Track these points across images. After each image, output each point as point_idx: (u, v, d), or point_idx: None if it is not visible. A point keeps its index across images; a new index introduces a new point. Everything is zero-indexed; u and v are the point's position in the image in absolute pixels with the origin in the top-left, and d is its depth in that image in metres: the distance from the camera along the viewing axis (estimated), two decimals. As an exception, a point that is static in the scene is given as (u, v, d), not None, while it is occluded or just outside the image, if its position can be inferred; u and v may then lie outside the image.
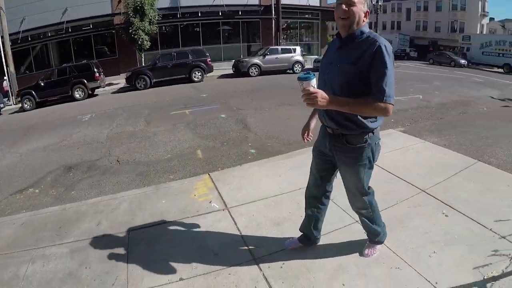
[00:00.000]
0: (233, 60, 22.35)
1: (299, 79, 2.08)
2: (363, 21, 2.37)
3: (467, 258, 3.13)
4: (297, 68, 22.28)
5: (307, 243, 3.21)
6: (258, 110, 9.84)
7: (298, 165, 5.16)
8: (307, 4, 29.62)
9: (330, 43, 2.73)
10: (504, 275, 2.94)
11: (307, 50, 29.99)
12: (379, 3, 37.35)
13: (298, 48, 23.14)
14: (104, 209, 4.16)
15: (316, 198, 3.00)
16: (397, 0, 65.38)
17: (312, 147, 3.03)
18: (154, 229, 3.64)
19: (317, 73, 2.29)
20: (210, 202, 4.13)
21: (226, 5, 25.57)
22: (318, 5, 30.69)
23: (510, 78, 28.36)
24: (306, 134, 3.03)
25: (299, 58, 22.63)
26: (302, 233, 3.22)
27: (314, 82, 2.09)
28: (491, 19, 61.64)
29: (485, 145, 6.97)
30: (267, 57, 21.29)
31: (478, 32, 52.32)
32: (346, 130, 2.47)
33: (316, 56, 27.81)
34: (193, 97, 13.12)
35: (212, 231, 3.54)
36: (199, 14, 25.63)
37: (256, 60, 21.01)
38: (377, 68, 2.23)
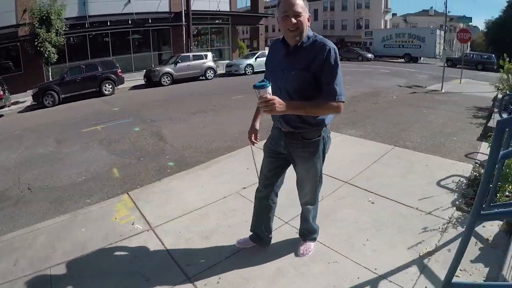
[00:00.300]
0: (145, 70, 21.77)
1: (255, 87, 2.17)
2: (308, 26, 2.49)
3: (399, 240, 3.36)
4: (209, 74, 22.44)
5: (259, 243, 3.32)
6: (172, 120, 9.75)
7: (218, 174, 5.27)
8: (217, 10, 29.78)
9: (272, 49, 2.82)
10: (437, 248, 3.20)
11: (219, 55, 30.16)
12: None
13: (209, 54, 23.26)
14: (20, 246, 3.70)
15: (267, 198, 3.08)
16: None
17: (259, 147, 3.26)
18: (77, 262, 3.34)
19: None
20: (133, 224, 3.95)
21: (136, 13, 24.87)
22: (228, 10, 31.01)
23: (412, 66, 31.30)
24: (253, 137, 3.04)
25: (211, 64, 22.76)
26: (253, 233, 3.30)
27: (269, 89, 2.19)
28: (394, 14, 66.62)
29: (399, 131, 7.73)
30: (178, 65, 21.10)
31: (382, 27, 56.64)
32: (300, 129, 2.64)
33: (228, 61, 28.04)
34: (104, 112, 12.56)
35: (140, 255, 3.37)
36: (108, 23, 24.55)
37: (167, 68, 20.74)
38: (328, 71, 2.41)
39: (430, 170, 5.21)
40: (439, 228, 3.54)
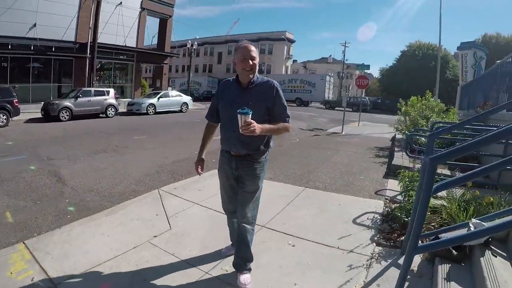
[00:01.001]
0: (43, 102, 20.04)
1: (240, 113, 2.73)
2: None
3: (327, 281, 3.31)
4: (110, 112, 21.55)
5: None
6: (72, 159, 8.86)
7: (125, 221, 4.74)
8: (124, 45, 29.02)
9: (223, 87, 3.39)
10: (366, 285, 3.24)
11: (121, 92, 29.05)
12: (194, 47, 38.90)
13: (111, 91, 22.50)
14: None
15: (234, 211, 3.48)
16: (210, 45, 69.03)
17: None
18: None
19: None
20: (32, 280, 3.30)
21: (40, 39, 23.17)
22: (135, 46, 30.37)
23: (307, 110, 33.38)
24: (200, 168, 3.52)
25: (113, 101, 21.98)
26: (234, 242, 3.76)
27: (250, 115, 2.74)
28: (295, 61, 70.63)
29: (307, 172, 7.82)
30: (79, 99, 19.90)
31: (283, 73, 60.00)
32: (254, 152, 3.20)
33: (130, 99, 27.29)
34: (-4, 146, 11.13)
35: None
36: (9, 47, 22.39)
37: (67, 102, 19.34)
38: (279, 103, 3.16)
39: (344, 209, 5.34)
40: (364, 265, 3.59)
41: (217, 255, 3.81)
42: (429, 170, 2.14)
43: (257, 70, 3.14)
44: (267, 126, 3.00)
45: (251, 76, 3.11)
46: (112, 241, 4.16)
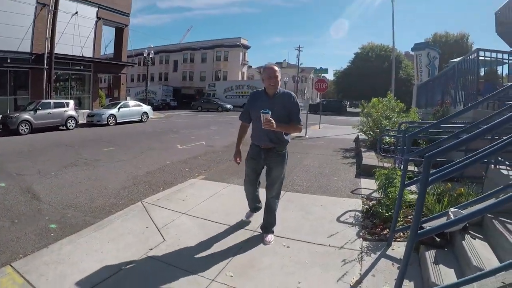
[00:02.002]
0: (0, 116, 19.37)
1: (262, 113, 3.87)
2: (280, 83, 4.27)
3: (327, 276, 3.55)
4: (71, 123, 21.00)
5: (255, 211, 5.12)
6: (43, 174, 8.60)
7: (116, 236, 4.67)
8: (81, 55, 28.26)
9: (254, 96, 4.51)
10: (363, 276, 3.51)
11: (79, 104, 28.17)
12: (150, 56, 38.51)
13: (71, 102, 22.07)
14: None
15: (253, 190, 4.87)
16: (165, 53, 68.41)
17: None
18: None
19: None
20: None
21: None
22: (91, 56, 29.61)
23: None
24: (238, 158, 4.74)
25: (73, 112, 21.53)
26: (251, 208, 5.12)
27: (269, 114, 3.87)
28: (250, 66, 70.63)
29: None
30: (38, 112, 19.36)
31: (239, 79, 60.63)
32: (276, 145, 4.33)
33: (89, 110, 26.67)
34: (-47, 164, 10.57)
35: None
36: None
37: (26, 115, 18.73)
38: (295, 108, 4.26)
39: (327, 209, 5.63)
40: (356, 259, 3.88)
41: (217, 261, 3.89)
42: (426, 166, 2.43)
43: (279, 85, 4.27)
44: (282, 124, 4.08)
45: (275, 90, 4.24)
46: (108, 258, 4.07)
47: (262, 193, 4.98)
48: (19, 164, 9.97)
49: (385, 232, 4.50)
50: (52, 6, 24.21)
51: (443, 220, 3.70)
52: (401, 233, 4.33)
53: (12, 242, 4.82)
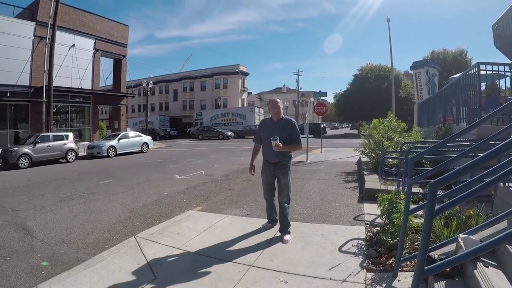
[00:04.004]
0: (1, 150, 19.24)
1: (272, 139, 5.15)
2: (282, 112, 5.59)
3: None
4: (71, 156, 20.90)
5: (274, 223, 5.95)
6: (38, 210, 8.39)
7: (106, 273, 4.42)
8: (79, 87, 28.46)
9: (263, 122, 5.90)
10: None
11: (79, 136, 28.36)
12: (149, 86, 38.72)
13: (70, 135, 21.92)
14: None
15: (271, 199, 5.85)
16: (165, 82, 68.95)
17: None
18: None
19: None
20: None
21: None
22: (90, 88, 29.82)
23: (249, 142, 32.98)
24: (253, 171, 5.97)
25: (72, 145, 21.40)
26: (268, 220, 6.04)
27: (278, 140, 5.12)
28: (249, 93, 71.19)
29: None
30: (38, 145, 19.25)
31: (240, 106, 61.12)
32: (281, 160, 5.44)
33: (89, 142, 26.58)
34: (-49, 202, 10.36)
35: None
36: None
37: (26, 149, 18.63)
38: (295, 132, 5.47)
39: (328, 238, 5.35)
40: None
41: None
42: (431, 196, 2.16)
43: (281, 113, 5.58)
44: (287, 145, 5.31)
45: (278, 117, 5.53)
46: (97, 298, 3.80)
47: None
48: (15, 199, 9.80)
49: (391, 261, 4.21)
50: (49, 39, 24.41)
51: (452, 247, 3.44)
52: (408, 262, 4.04)
53: (2, 281, 4.65)
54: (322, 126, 43.40)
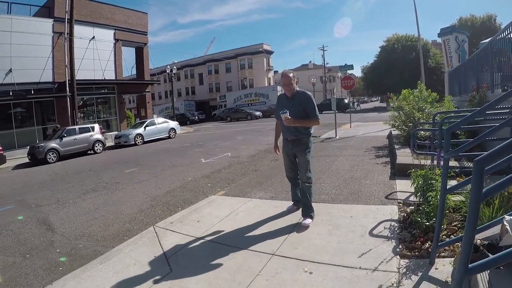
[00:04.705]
0: (29, 147, 19.47)
1: (281, 113, 4.82)
2: (295, 85, 5.12)
3: None
4: (98, 147, 21.02)
5: (298, 205, 5.50)
6: (61, 203, 8.34)
7: (121, 268, 4.21)
8: (103, 79, 28.59)
9: (279, 98, 5.45)
10: None
11: (106, 126, 28.73)
12: (173, 72, 38.60)
13: (96, 126, 21.97)
14: None
15: (294, 178, 5.54)
16: (190, 67, 68.94)
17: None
18: None
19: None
20: None
21: (18, 84, 22.74)
22: (114, 78, 29.97)
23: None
24: (278, 150, 5.72)
25: (99, 136, 21.47)
26: (294, 201, 5.73)
27: (287, 113, 4.77)
28: (276, 71, 70.45)
29: None
30: (64, 139, 19.39)
31: (266, 85, 60.46)
32: (298, 137, 5.08)
33: (116, 132, 26.85)
34: (-19, 199, 10.41)
35: None
36: None
37: (53, 144, 18.75)
38: (310, 105, 5.02)
39: (357, 221, 4.92)
40: (393, 284, 3.16)
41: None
42: (477, 176, 1.69)
43: (294, 87, 5.10)
44: (300, 119, 4.94)
45: (290, 91, 5.12)
46: (109, 295, 3.59)
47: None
48: (39, 194, 9.82)
49: (427, 245, 3.77)
50: (67, 33, 24.50)
51: (496, 230, 2.96)
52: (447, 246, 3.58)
53: (21, 279, 4.58)
54: (346, 101, 42.55)
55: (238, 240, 4.70)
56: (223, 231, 5.11)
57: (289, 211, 5.60)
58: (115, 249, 4.94)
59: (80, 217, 7.11)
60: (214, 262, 4.10)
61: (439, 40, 27.22)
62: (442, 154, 5.47)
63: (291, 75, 5.07)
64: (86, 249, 5.37)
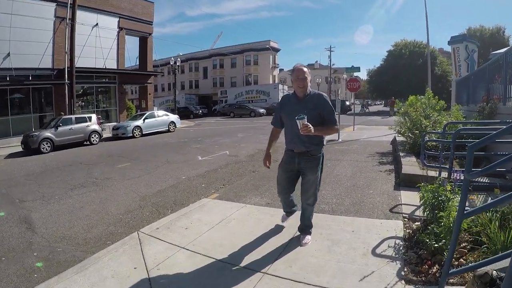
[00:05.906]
0: (23, 135, 18.83)
1: (298, 119, 3.74)
2: (309, 84, 4.16)
3: None
4: (94, 138, 20.52)
5: (290, 215, 4.99)
6: (46, 199, 7.91)
7: (98, 280, 3.82)
8: (104, 67, 28.09)
9: (284, 100, 4.44)
10: None
11: (106, 117, 28.21)
12: (177, 64, 38.17)
13: (93, 116, 21.42)
14: None
15: (287, 198, 4.69)
16: (194, 60, 68.55)
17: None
18: None
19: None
20: None
21: (15, 69, 22.11)
22: (115, 67, 29.44)
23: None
24: (268, 162, 4.55)
25: (96, 127, 20.95)
26: (285, 212, 5.00)
27: (306, 119, 3.74)
28: (281, 69, 70.04)
29: None
30: (60, 128, 18.85)
31: (271, 82, 59.90)
32: (310, 148, 4.16)
33: (115, 123, 26.37)
34: (-35, 191, 9.99)
35: None
36: None
37: (47, 133, 18.17)
38: (328, 109, 4.14)
39: (359, 237, 4.53)
40: None
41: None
42: None
43: (308, 86, 4.14)
44: (319, 127, 3.95)
45: (304, 91, 4.13)
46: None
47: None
48: (26, 188, 9.36)
49: (434, 269, 3.41)
50: (69, 19, 23.99)
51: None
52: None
53: None
54: (348, 103, 42.46)
55: (228, 253, 4.28)
56: (212, 241, 4.69)
57: (283, 221, 5.06)
58: (94, 257, 4.53)
59: (63, 216, 6.67)
60: (198, 281, 3.69)
61: (446, 48, 27.08)
62: (455, 169, 5.05)
63: (307, 70, 4.14)
64: (64, 254, 4.95)
